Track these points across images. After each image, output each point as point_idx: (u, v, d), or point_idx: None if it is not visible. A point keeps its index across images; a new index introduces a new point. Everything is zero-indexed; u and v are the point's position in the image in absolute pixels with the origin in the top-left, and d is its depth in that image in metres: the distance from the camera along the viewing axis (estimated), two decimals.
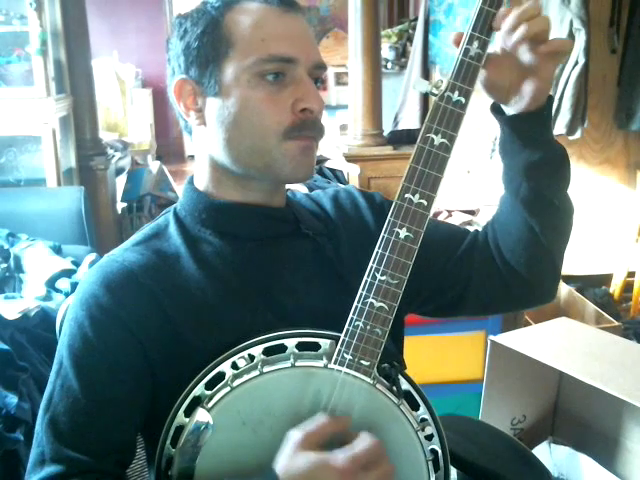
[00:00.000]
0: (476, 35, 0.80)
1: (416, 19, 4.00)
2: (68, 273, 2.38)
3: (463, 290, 1.00)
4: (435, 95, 0.81)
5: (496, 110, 0.90)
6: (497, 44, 0.85)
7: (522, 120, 0.87)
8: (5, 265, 2.40)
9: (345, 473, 0.73)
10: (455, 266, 1.00)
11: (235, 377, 0.79)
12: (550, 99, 0.88)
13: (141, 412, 0.85)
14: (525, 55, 0.82)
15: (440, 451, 0.83)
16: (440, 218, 2.64)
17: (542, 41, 0.81)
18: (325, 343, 0.81)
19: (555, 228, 0.94)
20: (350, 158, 3.24)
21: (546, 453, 1.65)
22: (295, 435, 0.75)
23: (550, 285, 1.01)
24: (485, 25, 0.80)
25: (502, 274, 0.98)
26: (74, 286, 2.28)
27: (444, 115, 0.81)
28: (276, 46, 0.82)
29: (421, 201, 0.81)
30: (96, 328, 0.81)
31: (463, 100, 0.81)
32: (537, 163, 0.89)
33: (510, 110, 0.88)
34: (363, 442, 0.75)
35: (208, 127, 0.87)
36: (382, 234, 0.81)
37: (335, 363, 0.79)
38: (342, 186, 1.10)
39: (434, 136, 0.81)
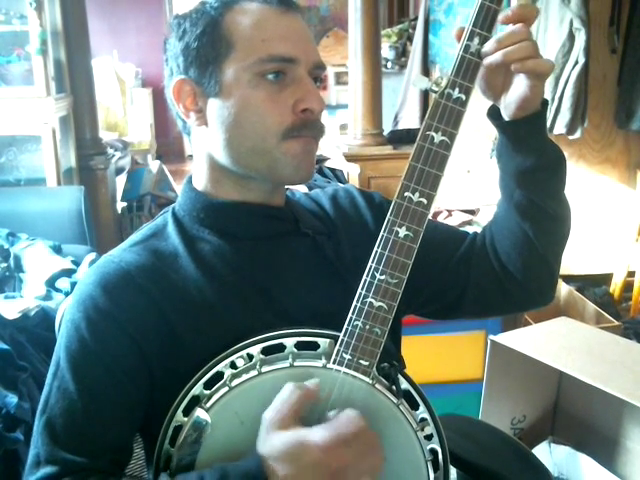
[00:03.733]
0: (477, 31, 0.79)
1: (416, 18, 4.00)
2: (68, 273, 2.38)
3: (461, 292, 1.00)
4: (435, 92, 0.80)
5: (493, 115, 0.90)
6: None
7: (515, 126, 0.87)
8: (5, 265, 2.39)
9: (325, 448, 0.71)
10: (454, 268, 1.00)
11: (234, 377, 0.78)
12: (545, 106, 0.88)
13: (138, 412, 0.84)
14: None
15: (440, 451, 0.83)
16: (440, 217, 2.64)
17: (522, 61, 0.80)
18: (324, 342, 0.81)
19: (549, 233, 0.94)
20: (350, 158, 3.23)
21: (546, 453, 1.65)
22: (268, 415, 0.74)
23: (547, 288, 1.01)
24: (486, 21, 0.79)
25: (499, 277, 0.98)
26: (74, 286, 2.28)
27: (444, 112, 0.80)
28: (276, 46, 0.83)
29: (421, 199, 0.80)
30: (93, 330, 0.81)
31: (463, 97, 0.80)
32: (529, 170, 0.89)
33: (504, 114, 0.88)
34: (343, 417, 0.74)
35: (209, 128, 0.87)
36: (381, 233, 0.81)
37: (334, 363, 0.79)
38: (341, 185, 1.10)
39: (434, 134, 0.80)
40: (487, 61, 0.80)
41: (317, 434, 0.72)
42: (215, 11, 0.85)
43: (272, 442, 0.72)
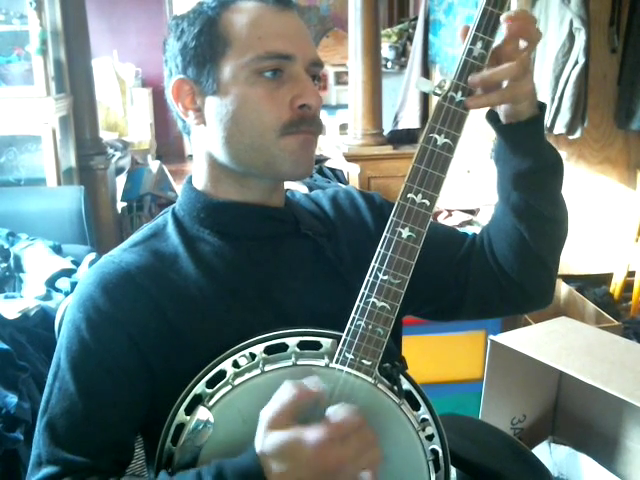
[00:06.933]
0: (480, 35, 0.80)
1: (416, 18, 4.00)
2: (68, 272, 2.38)
3: (461, 293, 1.01)
4: (438, 95, 0.81)
5: (491, 118, 0.91)
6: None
7: (513, 129, 0.88)
8: (5, 265, 2.39)
9: (321, 446, 0.69)
10: (454, 269, 1.00)
11: (236, 375, 0.79)
12: (543, 110, 0.88)
13: (139, 412, 0.84)
14: None
15: (441, 451, 0.83)
16: (440, 218, 2.64)
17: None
18: (327, 342, 0.81)
19: (545, 236, 0.94)
20: (350, 158, 3.24)
21: (546, 453, 1.65)
22: (265, 413, 0.72)
23: (545, 290, 1.01)
24: (489, 26, 0.80)
25: (497, 279, 0.98)
26: (74, 285, 2.28)
27: (447, 115, 0.80)
28: (273, 43, 0.83)
29: (424, 201, 0.81)
30: (93, 330, 0.81)
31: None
32: (526, 172, 0.89)
33: (502, 117, 0.89)
34: (338, 413, 0.72)
35: (207, 126, 0.87)
36: (384, 234, 0.81)
37: (336, 362, 0.79)
38: (342, 186, 1.11)
39: (437, 136, 0.80)
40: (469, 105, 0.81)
41: (312, 432, 0.70)
42: (212, 10, 0.86)
43: (268, 440, 0.71)
